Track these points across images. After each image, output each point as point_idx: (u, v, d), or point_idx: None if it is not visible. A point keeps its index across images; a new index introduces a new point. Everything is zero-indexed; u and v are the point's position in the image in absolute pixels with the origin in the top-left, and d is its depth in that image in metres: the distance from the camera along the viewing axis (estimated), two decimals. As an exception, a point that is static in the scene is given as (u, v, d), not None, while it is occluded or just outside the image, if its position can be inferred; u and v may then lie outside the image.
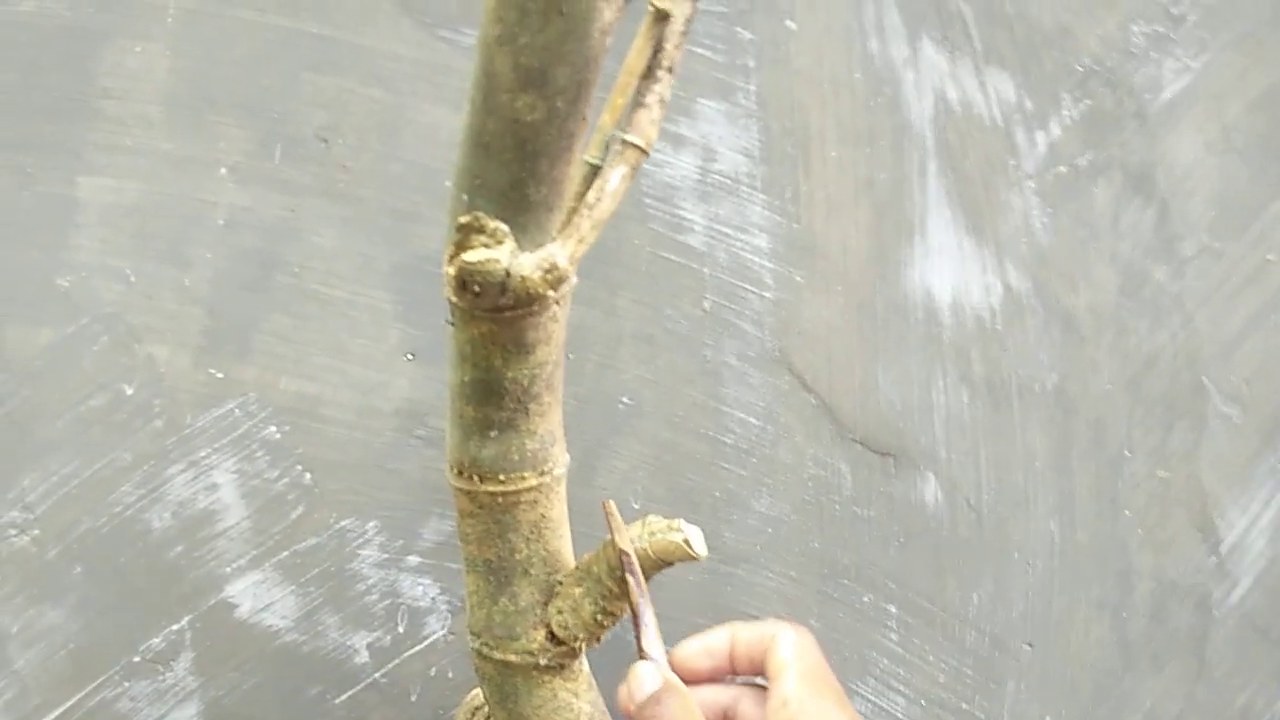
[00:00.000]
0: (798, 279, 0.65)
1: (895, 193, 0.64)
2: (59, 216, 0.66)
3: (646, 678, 0.46)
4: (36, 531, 0.68)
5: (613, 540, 0.50)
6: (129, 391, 0.67)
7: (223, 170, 0.65)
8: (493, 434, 0.51)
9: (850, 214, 0.65)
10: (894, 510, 0.66)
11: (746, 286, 0.66)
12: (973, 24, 0.63)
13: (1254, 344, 0.66)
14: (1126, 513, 0.66)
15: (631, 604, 0.47)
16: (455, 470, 0.53)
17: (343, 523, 0.67)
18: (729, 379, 0.66)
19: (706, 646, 0.48)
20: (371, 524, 0.68)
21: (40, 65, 0.64)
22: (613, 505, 0.51)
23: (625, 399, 0.66)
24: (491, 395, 0.50)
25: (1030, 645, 0.66)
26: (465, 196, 0.47)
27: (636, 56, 0.44)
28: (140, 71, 0.65)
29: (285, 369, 0.67)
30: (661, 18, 0.43)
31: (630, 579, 0.48)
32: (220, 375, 0.67)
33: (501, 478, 0.52)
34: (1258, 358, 0.66)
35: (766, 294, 0.65)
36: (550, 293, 0.45)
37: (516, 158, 0.45)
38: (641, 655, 0.47)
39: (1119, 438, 0.66)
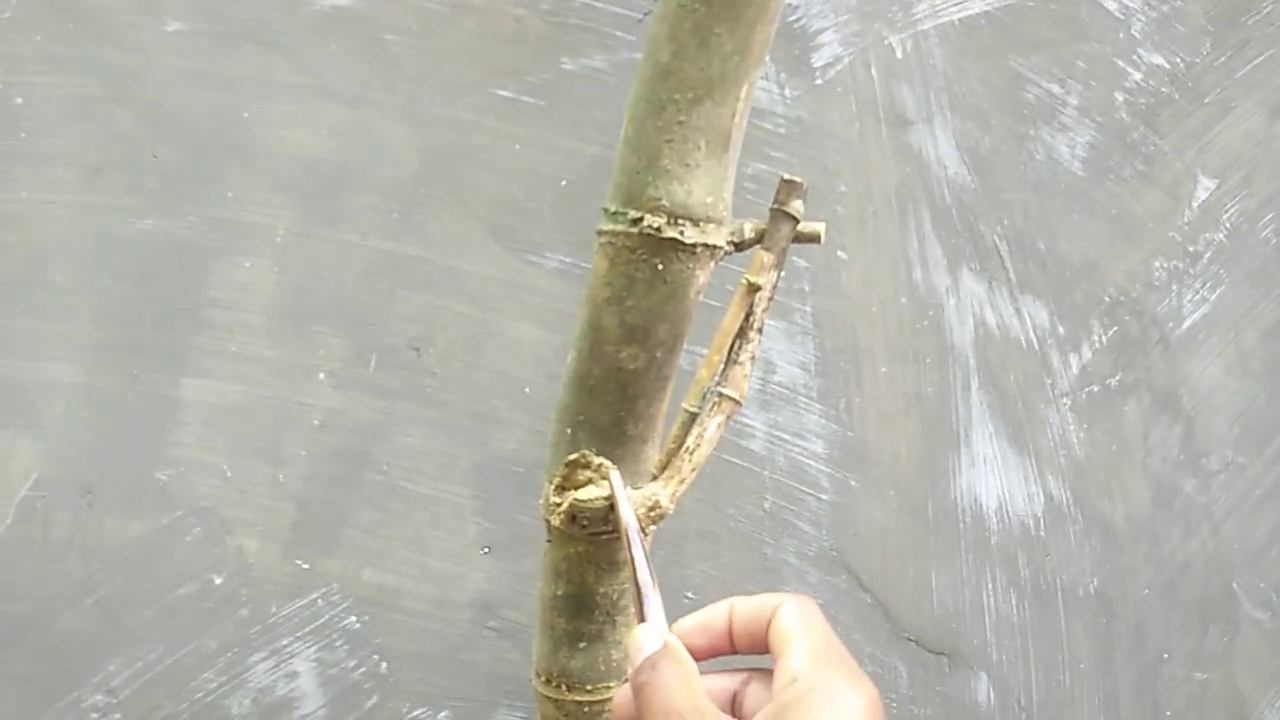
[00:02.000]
0: (852, 483, 0.68)
1: (941, 407, 0.68)
2: (162, 415, 0.69)
3: (646, 640, 0.40)
4: (118, 716, 0.68)
5: (615, 508, 0.47)
6: (217, 581, 0.69)
7: (320, 375, 0.69)
8: (582, 645, 0.54)
9: (900, 425, 0.68)
10: (949, 709, 0.67)
11: (804, 489, 0.68)
12: (1008, 258, 0.68)
13: (1279, 551, 0.69)
14: (1168, 714, 0.66)
15: (635, 576, 0.43)
16: (544, 679, 0.55)
17: (415, 712, 0.68)
18: (788, 576, 0.68)
19: (704, 623, 0.41)
20: (443, 714, 0.68)
21: (154, 277, 0.69)
22: (615, 473, 0.48)
23: (690, 594, 0.68)
24: (583, 609, 0.53)
25: None
26: (569, 430, 0.52)
27: (731, 320, 0.49)
28: (248, 284, 0.69)
29: (368, 561, 0.69)
30: (753, 289, 0.48)
31: (633, 550, 0.44)
32: (306, 567, 0.69)
33: (589, 687, 0.54)
34: None
35: (823, 496, 0.68)
36: (652, 527, 0.50)
37: (618, 399, 0.50)
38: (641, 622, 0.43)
39: (1158, 641, 0.67)
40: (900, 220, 0.68)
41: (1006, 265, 0.68)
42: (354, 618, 0.68)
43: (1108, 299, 0.68)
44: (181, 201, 0.69)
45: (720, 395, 0.49)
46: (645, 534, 0.51)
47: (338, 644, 0.68)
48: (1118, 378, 0.68)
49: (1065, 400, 0.68)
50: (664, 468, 0.49)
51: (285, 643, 0.68)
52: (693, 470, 0.49)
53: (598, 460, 0.49)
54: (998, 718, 0.67)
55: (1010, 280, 0.68)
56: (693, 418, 0.49)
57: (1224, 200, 0.69)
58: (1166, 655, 0.67)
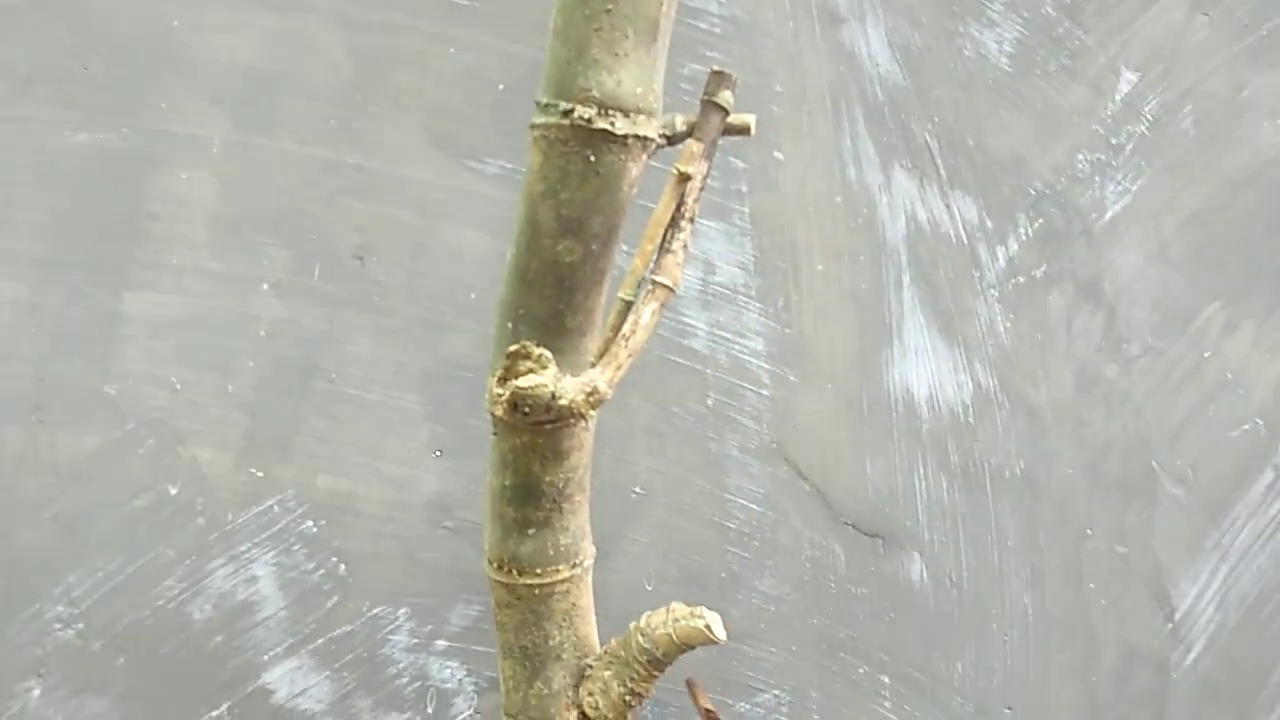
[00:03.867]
0: (791, 378, 0.70)
1: (875, 302, 0.70)
2: (107, 329, 0.69)
3: None
4: (81, 625, 0.70)
5: (701, 708, 0.60)
6: (173, 491, 0.70)
7: (265, 286, 0.69)
8: (530, 532, 0.56)
9: (836, 320, 0.70)
10: (884, 588, 0.71)
11: (745, 385, 0.71)
12: (938, 154, 0.70)
13: (1196, 432, 0.72)
14: (1090, 585, 0.71)
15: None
16: (495, 565, 0.58)
17: (375, 610, 0.71)
18: (731, 469, 0.71)
19: None
20: (402, 611, 0.71)
21: (92, 191, 0.69)
22: (698, 683, 0.60)
23: (637, 489, 0.71)
24: (530, 497, 0.55)
25: (1010, 709, 0.70)
26: (510, 324, 0.53)
27: (663, 210, 0.51)
28: (186, 196, 0.69)
29: (322, 468, 0.70)
30: (684, 178, 0.50)
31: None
32: (260, 475, 0.70)
33: (538, 571, 0.57)
34: (1200, 444, 0.72)
35: (763, 392, 0.70)
36: (591, 413, 0.51)
37: (556, 292, 0.51)
38: None
39: (1080, 518, 0.71)
40: (834, 119, 0.69)
41: (937, 162, 0.70)
42: (310, 522, 0.70)
43: (1033, 192, 0.71)
44: (115, 113, 0.69)
45: (654, 283, 0.50)
46: (585, 419, 0.52)
47: (295, 548, 0.70)
48: (1043, 269, 0.71)
49: (993, 292, 0.70)
50: (602, 354, 0.51)
51: (243, 549, 0.70)
52: (629, 356, 0.50)
53: (538, 351, 0.51)
54: (930, 595, 0.70)
55: (940, 176, 0.70)
56: (628, 306, 0.51)
57: (1145, 93, 0.71)
58: (1089, 531, 0.71)
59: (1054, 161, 0.71)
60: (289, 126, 0.68)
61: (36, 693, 0.70)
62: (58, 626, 0.70)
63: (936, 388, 0.71)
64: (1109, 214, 0.72)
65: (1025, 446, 0.71)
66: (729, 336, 0.70)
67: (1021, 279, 0.71)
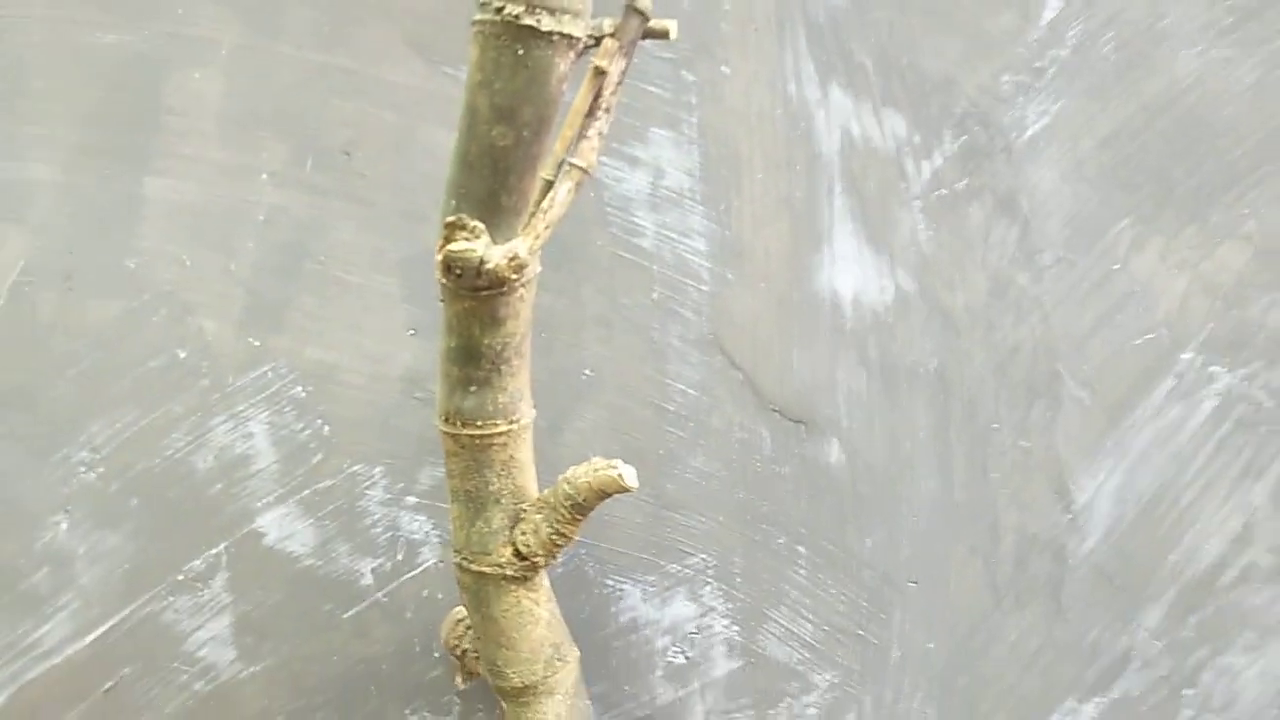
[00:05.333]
0: (729, 276, 0.76)
1: (809, 209, 0.75)
2: (129, 210, 0.78)
3: None
4: (102, 469, 0.79)
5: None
6: (181, 355, 0.79)
7: (263, 176, 0.77)
8: (472, 389, 0.64)
9: (772, 225, 0.76)
10: (804, 469, 0.77)
11: (687, 281, 0.77)
12: (872, 72, 0.74)
13: (1101, 339, 0.76)
14: (994, 476, 0.76)
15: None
16: (443, 419, 0.65)
17: (354, 468, 0.78)
18: (672, 357, 0.77)
19: None
20: (378, 469, 0.79)
21: (120, 86, 0.77)
22: None
23: (587, 371, 0.78)
24: (471, 358, 0.63)
25: (915, 583, 0.76)
26: (453, 202, 0.60)
27: (581, 101, 0.57)
28: (199, 93, 0.77)
29: (311, 340, 0.78)
30: (600, 73, 0.56)
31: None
32: (257, 344, 0.78)
33: (479, 424, 0.64)
34: (1104, 350, 0.76)
35: (703, 288, 0.76)
36: (514, 276, 0.58)
37: (491, 173, 0.58)
38: None
39: (988, 414, 0.76)
40: (779, 38, 0.74)
41: (871, 79, 0.74)
42: (300, 388, 0.78)
43: (959, 110, 0.75)
44: (139, 16, 0.76)
45: (571, 165, 0.57)
46: (517, 289, 0.59)
47: (286, 410, 0.78)
48: (964, 183, 0.75)
49: (917, 203, 0.75)
50: (526, 226, 0.57)
51: (241, 408, 0.78)
52: (547, 228, 0.57)
53: (472, 223, 0.58)
54: (846, 477, 0.76)
55: (874, 94, 0.74)
56: (549, 185, 0.57)
57: (1069, 19, 0.74)
58: (996, 426, 0.76)
59: (980, 82, 0.75)
60: (289, 31, 0.75)
61: (64, 526, 0.79)
62: (82, 470, 0.79)
63: (861, 290, 0.76)
64: (1029, 133, 0.75)
65: (939, 347, 0.76)
66: (674, 236, 0.76)
67: (944, 192, 0.75)
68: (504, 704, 0.69)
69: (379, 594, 0.78)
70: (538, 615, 0.67)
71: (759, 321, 0.77)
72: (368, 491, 0.78)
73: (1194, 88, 0.75)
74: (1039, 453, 0.76)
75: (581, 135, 0.56)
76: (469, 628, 0.73)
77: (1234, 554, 0.75)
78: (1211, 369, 0.76)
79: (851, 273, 0.76)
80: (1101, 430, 0.76)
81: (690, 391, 0.77)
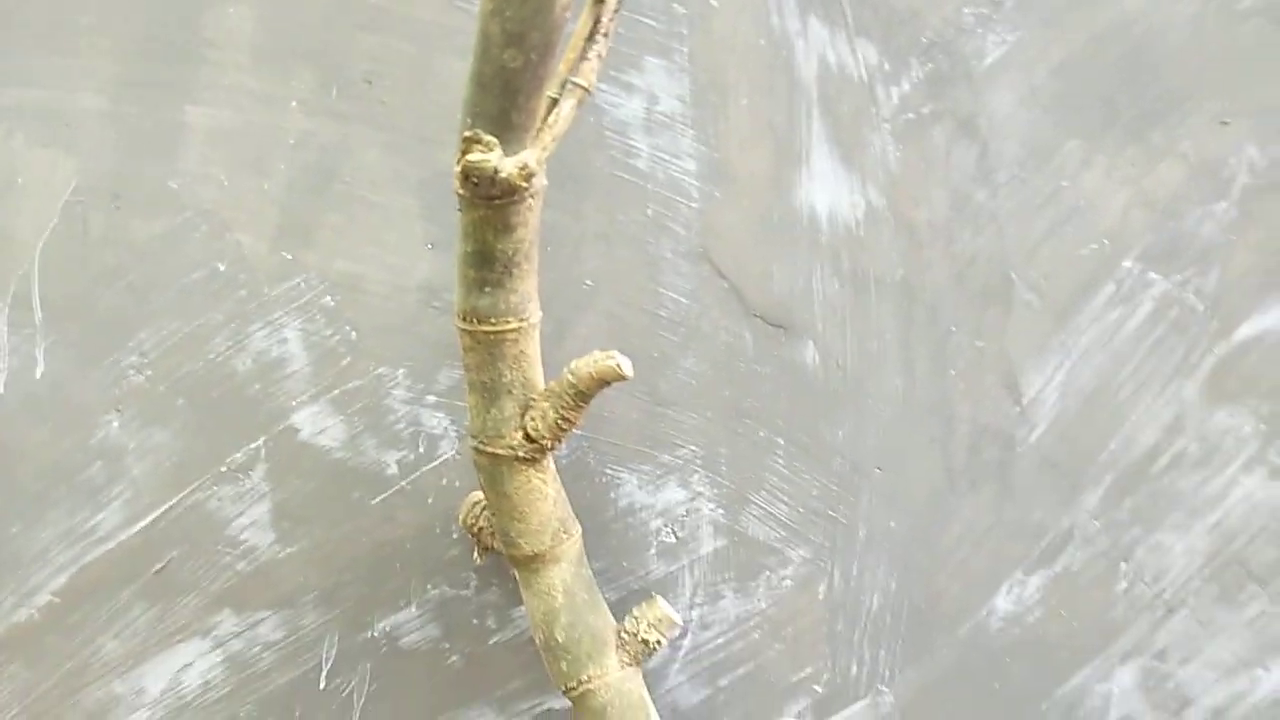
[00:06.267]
0: (716, 194, 0.82)
1: (789, 132, 0.81)
2: (171, 136, 0.83)
3: None
4: (150, 372, 0.85)
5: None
6: (221, 268, 0.84)
7: (293, 103, 0.83)
8: (487, 290, 0.70)
9: (755, 147, 0.81)
10: (783, 369, 0.83)
11: (678, 199, 0.82)
12: (847, 5, 0.79)
13: (1049, 249, 0.80)
14: (952, 373, 0.81)
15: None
16: (461, 317, 0.72)
17: (379, 370, 0.84)
18: (664, 269, 0.83)
19: None
20: (400, 371, 0.84)
21: (161, 20, 0.82)
22: None
23: (588, 281, 0.83)
24: (486, 262, 0.69)
25: (880, 469, 0.83)
26: (468, 120, 0.66)
27: (582, 27, 0.63)
28: (233, 28, 0.82)
29: (338, 254, 0.84)
30: (599, 2, 0.61)
31: None
32: (290, 257, 0.84)
33: (493, 320, 0.70)
34: (1052, 259, 0.80)
35: (693, 205, 0.82)
36: (524, 185, 0.65)
37: (503, 93, 0.64)
38: None
39: (947, 318, 0.81)
40: None
41: (846, 12, 0.79)
42: (329, 298, 0.84)
43: (925, 40, 0.80)
44: None
45: (573, 84, 0.63)
46: (527, 198, 0.65)
47: (317, 318, 0.84)
48: (929, 107, 0.80)
49: (886, 126, 0.80)
50: (534, 139, 0.64)
51: (276, 316, 0.84)
52: (553, 140, 0.63)
53: (487, 137, 0.64)
54: (820, 376, 0.83)
55: (848, 25, 0.80)
56: (554, 102, 0.63)
57: None
58: (954, 329, 0.81)
59: (944, 14, 0.80)
60: None
61: (116, 424, 0.85)
62: (132, 373, 0.85)
63: (835, 206, 0.81)
64: (988, 61, 0.80)
65: (904, 257, 0.81)
66: (666, 158, 0.82)
67: (911, 115, 0.80)
68: (517, 572, 0.76)
69: (403, 482, 0.84)
70: (545, 493, 0.74)
71: (743, 236, 0.82)
72: (392, 391, 0.84)
73: (1139, 20, 0.80)
74: (992, 352, 0.81)
75: (583, 57, 0.62)
76: (484, 508, 0.80)
77: (1165, 443, 0.82)
78: (1149, 275, 0.81)
79: (827, 190, 0.81)
80: (1048, 331, 0.81)
81: (681, 300, 0.83)
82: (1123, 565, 0.82)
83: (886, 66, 0.80)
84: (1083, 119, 0.81)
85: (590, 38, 0.62)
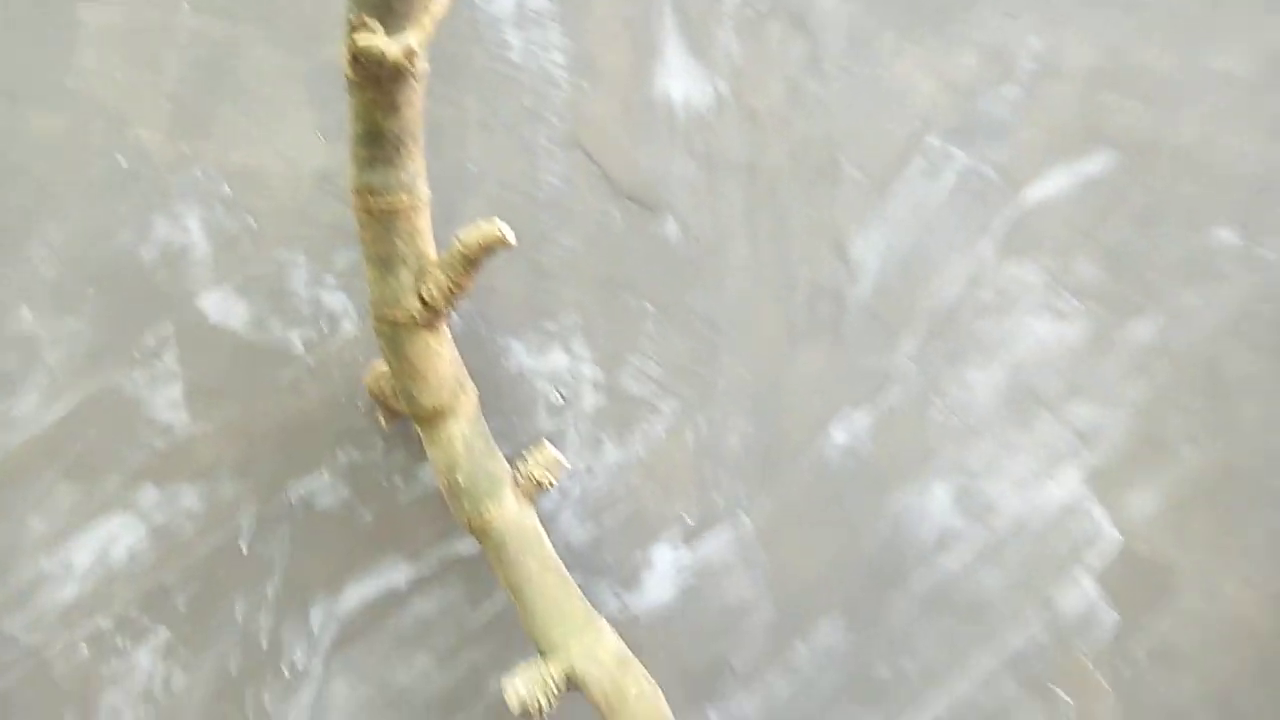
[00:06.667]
0: (584, 85, 0.90)
1: (645, 28, 0.89)
2: (67, 35, 0.86)
3: None
4: (58, 264, 0.89)
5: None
6: (122, 162, 0.88)
7: (184, 3, 0.86)
8: (378, 167, 0.77)
9: (617, 42, 0.89)
10: (648, 243, 0.91)
11: (551, 89, 0.90)
12: None
13: (870, 130, 0.88)
14: (791, 241, 0.89)
15: None
16: (355, 194, 0.78)
17: (279, 253, 0.90)
18: (540, 154, 0.90)
19: None
20: (300, 254, 0.90)
21: None
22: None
23: (471, 166, 0.90)
24: (375, 141, 0.76)
25: (735, 327, 0.94)
26: (354, 6, 0.72)
27: None
28: None
29: (232, 145, 0.88)
30: None
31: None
32: (187, 150, 0.89)
33: (385, 196, 0.77)
34: (872, 140, 0.89)
35: (564, 95, 0.90)
36: (408, 65, 0.72)
37: None
38: None
39: (786, 193, 0.89)
40: None
41: None
42: (227, 187, 0.89)
43: None
44: None
45: None
46: (411, 77, 0.72)
47: (216, 206, 0.89)
48: (766, 5, 0.90)
49: (730, 22, 0.90)
50: (414, 25, 0.71)
51: (177, 207, 0.89)
52: (432, 23, 0.70)
53: (372, 22, 0.71)
54: (681, 247, 0.91)
55: None
56: None
57: None
58: (791, 203, 0.92)
59: None
60: None
61: (29, 315, 0.89)
62: (40, 264, 0.89)
63: (689, 95, 0.89)
64: None
65: (749, 141, 0.89)
66: (538, 50, 0.89)
67: (750, 13, 0.89)
68: (420, 429, 0.84)
69: (309, 359, 0.90)
70: (442, 354, 0.82)
71: (610, 123, 0.90)
72: (292, 273, 0.90)
73: None
74: (824, 221, 0.90)
75: None
76: (388, 377, 0.88)
77: (968, 294, 0.95)
78: (951, 150, 0.93)
79: (681, 82, 0.90)
80: (870, 202, 0.90)
81: (556, 183, 0.90)
82: (936, 399, 0.94)
83: None
84: (894, 14, 0.91)
85: None
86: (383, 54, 0.70)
